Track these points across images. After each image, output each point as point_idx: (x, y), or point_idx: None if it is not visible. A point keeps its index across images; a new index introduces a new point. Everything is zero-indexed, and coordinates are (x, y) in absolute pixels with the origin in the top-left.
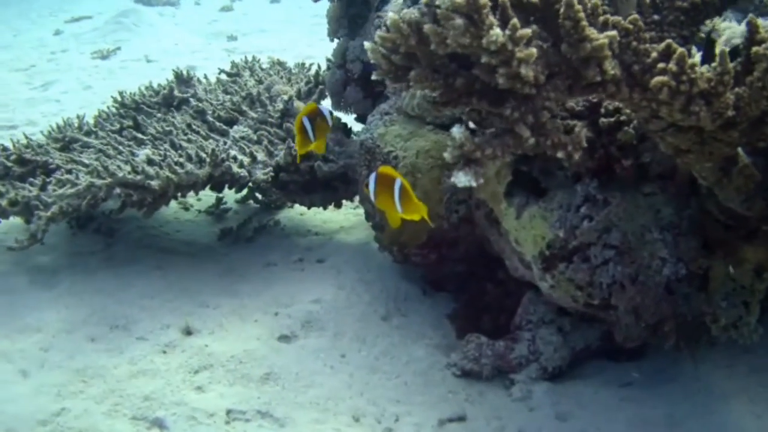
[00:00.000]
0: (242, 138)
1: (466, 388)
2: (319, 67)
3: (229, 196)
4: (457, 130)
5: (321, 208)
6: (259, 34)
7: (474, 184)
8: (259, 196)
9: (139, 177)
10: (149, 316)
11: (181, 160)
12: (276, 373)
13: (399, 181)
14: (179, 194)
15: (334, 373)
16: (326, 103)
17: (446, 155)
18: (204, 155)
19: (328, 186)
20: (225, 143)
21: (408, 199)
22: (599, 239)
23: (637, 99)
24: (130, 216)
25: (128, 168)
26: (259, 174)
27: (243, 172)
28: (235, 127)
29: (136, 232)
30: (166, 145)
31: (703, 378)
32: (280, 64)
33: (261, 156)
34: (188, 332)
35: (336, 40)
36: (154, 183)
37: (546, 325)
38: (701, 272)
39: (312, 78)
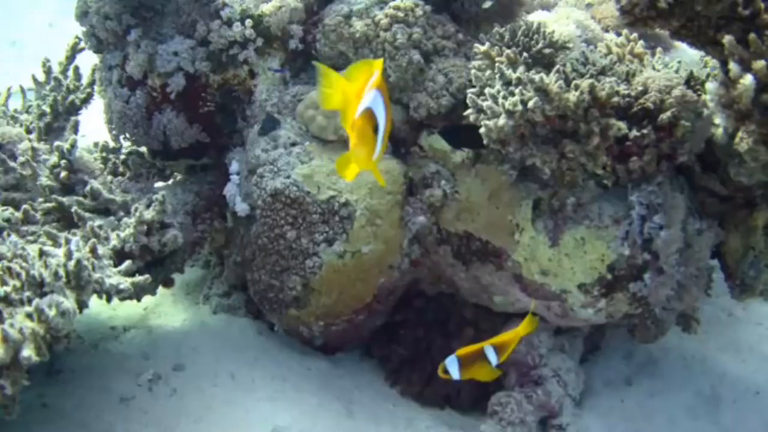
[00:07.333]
0: (10, 223)
1: None
2: (23, 91)
3: None
4: None
5: None
6: None
7: None
8: None
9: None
10: None
11: (28, 293)
12: None
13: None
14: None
15: None
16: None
17: None
18: (60, 270)
19: (151, 263)
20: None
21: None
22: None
23: None
24: None
25: None
26: (117, 280)
27: (122, 283)
28: None
29: None
30: None
31: (674, 348)
32: None
33: (100, 248)
34: None
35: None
36: (27, 353)
37: (552, 352)
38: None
39: (47, 108)
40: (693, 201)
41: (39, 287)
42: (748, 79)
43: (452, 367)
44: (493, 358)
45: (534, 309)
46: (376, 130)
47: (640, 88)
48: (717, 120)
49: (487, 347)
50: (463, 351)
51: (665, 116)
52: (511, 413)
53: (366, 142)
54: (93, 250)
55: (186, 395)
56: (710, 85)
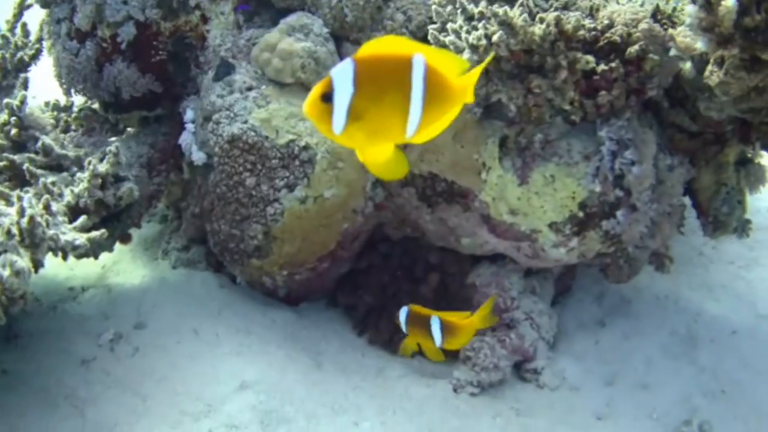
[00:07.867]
0: None
1: (499, 402)
2: None
3: None
4: None
5: None
6: None
7: None
8: None
9: None
10: None
11: None
12: None
13: None
14: None
15: None
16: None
17: None
18: (13, 228)
19: (107, 218)
20: None
21: None
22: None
23: None
24: None
25: None
26: (72, 236)
27: (78, 239)
28: None
29: None
30: None
31: (646, 288)
32: None
33: (54, 205)
34: None
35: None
36: None
37: (524, 294)
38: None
39: None
40: (662, 137)
41: None
42: (729, 2)
43: (403, 318)
44: (437, 337)
45: (493, 303)
46: (330, 98)
47: (606, 22)
48: (698, 44)
49: (435, 320)
50: (416, 309)
51: (633, 50)
52: (485, 358)
53: (315, 112)
54: (47, 207)
55: (149, 354)
56: (690, 8)
